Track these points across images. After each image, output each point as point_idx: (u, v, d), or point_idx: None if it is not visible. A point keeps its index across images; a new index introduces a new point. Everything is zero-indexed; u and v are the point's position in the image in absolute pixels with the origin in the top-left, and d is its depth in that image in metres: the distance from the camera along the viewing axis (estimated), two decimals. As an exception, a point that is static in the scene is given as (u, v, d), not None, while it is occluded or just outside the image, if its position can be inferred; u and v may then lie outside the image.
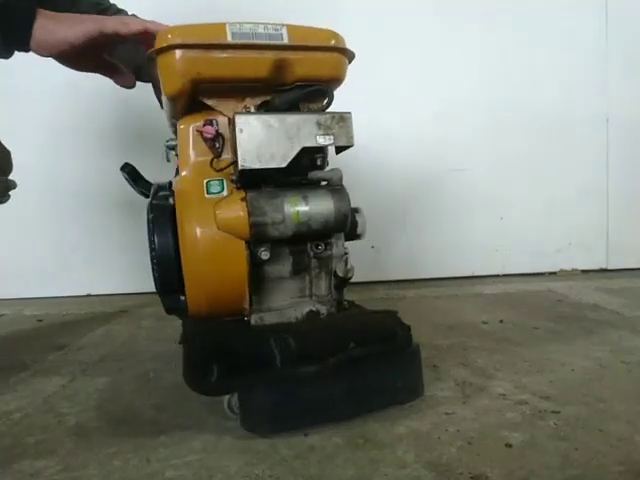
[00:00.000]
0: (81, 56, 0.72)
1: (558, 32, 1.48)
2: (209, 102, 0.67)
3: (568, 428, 0.55)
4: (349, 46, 0.69)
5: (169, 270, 0.63)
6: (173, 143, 0.80)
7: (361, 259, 0.86)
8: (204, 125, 0.66)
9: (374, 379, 0.62)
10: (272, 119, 0.63)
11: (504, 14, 1.46)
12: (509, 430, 0.55)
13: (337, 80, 0.70)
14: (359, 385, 0.60)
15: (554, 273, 1.53)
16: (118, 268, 1.43)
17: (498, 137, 1.48)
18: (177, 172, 0.83)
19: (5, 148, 0.83)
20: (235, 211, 0.63)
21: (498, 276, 1.51)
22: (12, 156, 0.84)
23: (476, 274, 1.51)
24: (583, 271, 1.54)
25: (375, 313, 0.73)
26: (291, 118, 0.64)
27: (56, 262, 1.44)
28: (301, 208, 0.66)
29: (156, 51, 0.63)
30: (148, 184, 0.77)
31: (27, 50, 0.68)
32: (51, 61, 0.72)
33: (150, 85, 0.83)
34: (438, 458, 0.50)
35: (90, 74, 0.80)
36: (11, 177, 0.84)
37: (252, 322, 0.67)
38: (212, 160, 0.67)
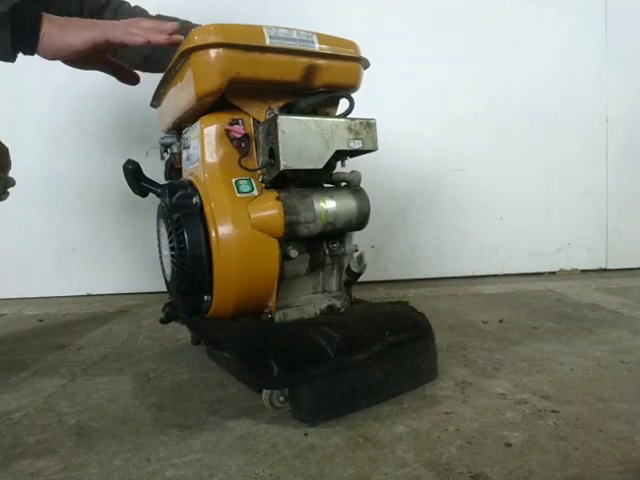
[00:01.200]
0: (86, 58, 0.72)
1: (558, 32, 1.49)
2: (236, 102, 0.68)
3: (568, 427, 0.55)
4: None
5: (202, 270, 0.64)
6: (169, 140, 0.80)
7: (361, 259, 0.87)
8: (232, 124, 0.67)
9: (405, 363, 0.66)
10: (310, 122, 0.65)
11: (504, 14, 1.46)
12: (509, 429, 0.55)
13: (355, 87, 0.74)
14: (395, 369, 0.64)
15: (554, 273, 1.54)
16: (118, 268, 1.43)
17: (498, 137, 1.49)
18: (170, 170, 0.83)
19: (4, 146, 0.83)
20: (270, 210, 0.65)
21: (498, 276, 1.51)
22: (11, 155, 0.84)
23: (476, 274, 1.51)
24: (583, 271, 1.54)
25: (392, 304, 0.78)
26: (327, 122, 0.67)
27: (56, 262, 1.44)
28: (329, 207, 0.69)
29: (194, 48, 0.63)
30: (152, 183, 0.77)
31: (32, 54, 0.68)
32: (53, 61, 0.72)
33: (150, 85, 0.83)
34: (438, 457, 0.50)
35: (91, 72, 0.80)
36: (10, 175, 0.84)
37: (276, 319, 0.69)
38: (240, 159, 0.68)
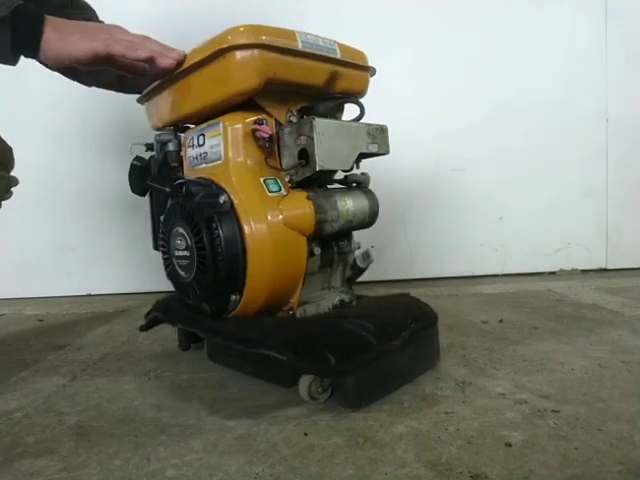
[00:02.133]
0: (89, 69, 0.71)
1: (558, 32, 1.49)
2: (262, 103, 0.69)
3: (568, 427, 0.55)
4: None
5: (237, 269, 0.65)
6: (167, 137, 0.79)
7: (361, 259, 0.87)
8: (259, 124, 0.68)
9: (422, 347, 0.72)
10: (340, 125, 0.69)
11: (504, 14, 1.46)
12: (509, 429, 0.55)
13: (363, 94, 0.80)
14: (416, 353, 0.70)
15: (554, 273, 1.54)
16: (118, 268, 1.43)
17: (498, 137, 1.48)
18: (161, 168, 0.81)
19: (7, 145, 0.83)
20: (302, 209, 0.67)
21: (498, 276, 1.51)
22: (14, 154, 0.84)
23: (476, 274, 1.51)
24: (582, 271, 1.55)
25: (398, 296, 0.84)
26: (352, 126, 0.71)
27: (56, 262, 1.44)
28: (349, 207, 0.73)
29: (234, 47, 0.63)
30: (159, 181, 0.76)
31: (35, 57, 0.67)
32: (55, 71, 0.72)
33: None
34: (438, 457, 0.50)
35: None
36: (12, 174, 0.84)
37: (297, 315, 0.71)
38: (266, 159, 0.69)
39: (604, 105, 1.52)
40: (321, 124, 0.66)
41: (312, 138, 0.65)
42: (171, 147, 0.79)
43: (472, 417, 0.58)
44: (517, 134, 1.49)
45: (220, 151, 0.69)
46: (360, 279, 0.80)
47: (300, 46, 0.68)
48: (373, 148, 0.74)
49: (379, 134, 0.75)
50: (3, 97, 1.36)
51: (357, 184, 0.79)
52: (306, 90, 0.71)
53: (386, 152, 0.76)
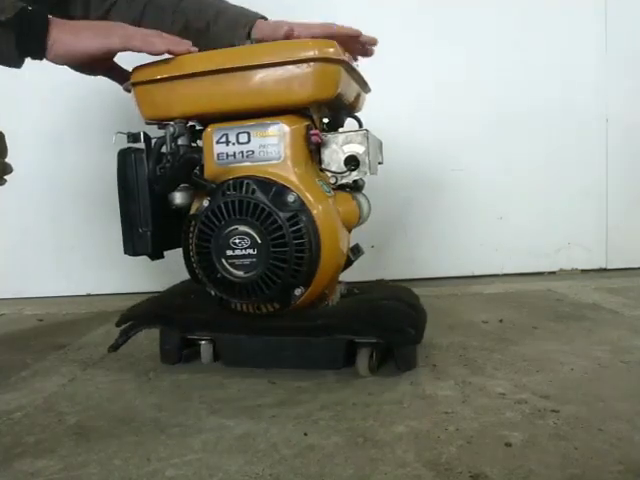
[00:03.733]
0: (94, 63, 0.71)
1: (558, 32, 1.48)
2: (312, 111, 0.76)
3: (568, 427, 0.55)
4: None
5: (316, 264, 0.71)
6: (182, 130, 0.75)
7: (361, 258, 0.87)
8: (311, 130, 0.74)
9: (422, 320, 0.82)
10: (374, 138, 0.80)
11: (504, 14, 1.46)
12: (509, 429, 0.55)
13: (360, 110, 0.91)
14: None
15: (553, 273, 1.53)
16: (118, 268, 1.43)
17: (498, 137, 1.48)
18: (174, 164, 0.77)
19: None
20: (352, 207, 0.80)
21: (497, 276, 1.51)
22: (11, 154, 0.84)
23: (476, 274, 1.51)
24: (582, 271, 1.54)
25: (377, 282, 1.02)
26: (377, 139, 0.84)
27: (56, 262, 1.44)
28: (365, 207, 0.85)
29: (326, 59, 0.70)
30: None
31: (41, 59, 0.67)
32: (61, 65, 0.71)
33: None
34: (438, 457, 0.50)
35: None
36: (9, 176, 0.84)
37: (329, 304, 0.78)
38: (316, 163, 0.77)
39: (604, 105, 1.52)
40: (370, 136, 0.76)
41: (365, 147, 0.74)
42: (184, 141, 0.75)
43: (472, 417, 0.58)
44: (517, 134, 1.49)
45: (279, 151, 0.73)
46: (360, 279, 0.81)
47: (355, 67, 0.78)
48: (381, 158, 0.87)
49: (381, 147, 0.87)
50: (3, 97, 1.36)
51: (357, 188, 0.86)
52: (341, 105, 0.80)
53: (382, 162, 0.88)
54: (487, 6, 1.45)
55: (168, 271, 0.90)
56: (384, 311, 0.75)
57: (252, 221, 0.69)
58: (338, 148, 0.75)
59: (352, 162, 0.75)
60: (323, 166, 0.77)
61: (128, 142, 0.79)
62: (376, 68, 0.88)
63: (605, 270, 1.56)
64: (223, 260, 0.72)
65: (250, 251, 0.70)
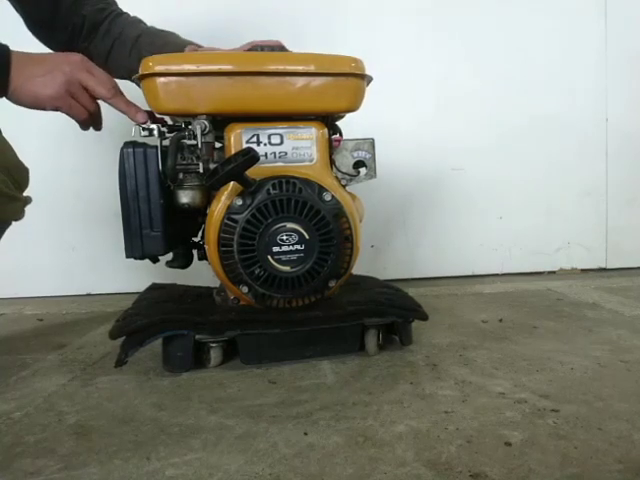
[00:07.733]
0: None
1: (558, 33, 1.48)
2: (331, 120, 0.84)
3: (567, 427, 0.55)
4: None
5: (352, 257, 0.79)
6: (208, 127, 0.75)
7: (361, 258, 0.86)
8: (335, 137, 0.83)
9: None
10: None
11: (504, 15, 1.46)
12: (508, 429, 0.55)
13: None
14: None
15: (553, 272, 1.54)
16: (118, 268, 1.43)
17: (498, 137, 1.48)
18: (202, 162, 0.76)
19: (23, 164, 0.80)
20: (361, 206, 0.87)
21: (497, 275, 1.51)
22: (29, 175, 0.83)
23: (476, 273, 1.51)
24: (582, 270, 1.54)
25: (362, 277, 1.02)
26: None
27: (56, 262, 1.43)
28: (363, 206, 0.90)
29: (363, 75, 0.78)
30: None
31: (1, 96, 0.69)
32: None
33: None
34: (437, 457, 0.50)
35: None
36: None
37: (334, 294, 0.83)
38: (332, 164, 0.83)
39: (604, 105, 1.52)
40: (374, 144, 0.85)
41: (372, 154, 0.84)
42: (210, 138, 0.75)
43: (472, 416, 0.58)
44: (517, 134, 1.49)
45: (311, 153, 0.79)
46: (360, 279, 0.81)
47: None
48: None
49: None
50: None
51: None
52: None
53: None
54: (487, 6, 1.45)
55: (168, 271, 0.90)
56: (397, 296, 0.86)
57: (300, 218, 0.73)
58: (348, 153, 0.83)
59: (360, 166, 0.84)
60: (339, 169, 0.84)
61: (141, 136, 0.76)
62: (376, 69, 0.87)
63: (605, 270, 1.56)
64: (269, 257, 0.73)
65: (298, 247, 0.74)
